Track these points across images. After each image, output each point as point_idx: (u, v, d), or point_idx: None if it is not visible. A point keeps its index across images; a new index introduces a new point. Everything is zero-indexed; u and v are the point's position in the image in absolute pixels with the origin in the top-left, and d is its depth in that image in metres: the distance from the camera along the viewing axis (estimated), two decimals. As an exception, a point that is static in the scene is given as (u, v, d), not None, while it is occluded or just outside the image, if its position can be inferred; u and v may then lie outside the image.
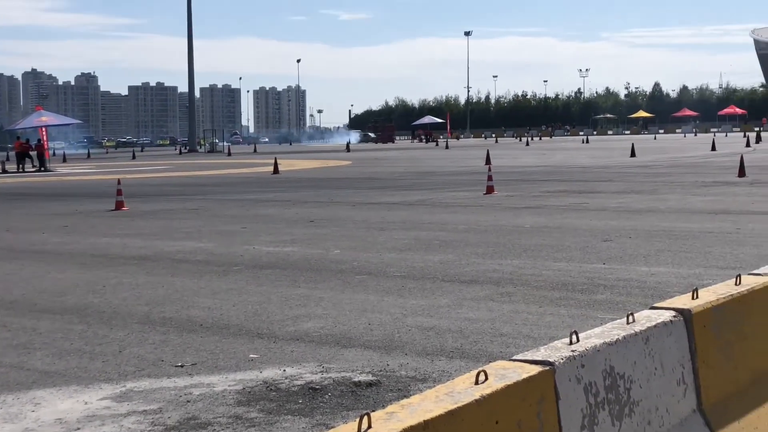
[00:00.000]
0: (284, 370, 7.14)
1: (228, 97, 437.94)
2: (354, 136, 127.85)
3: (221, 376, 7.07)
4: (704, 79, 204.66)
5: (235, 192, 28.68)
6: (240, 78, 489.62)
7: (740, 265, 10.90)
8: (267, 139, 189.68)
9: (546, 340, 6.94)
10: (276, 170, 39.64)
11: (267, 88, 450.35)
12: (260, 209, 21.96)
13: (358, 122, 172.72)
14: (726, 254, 12.43)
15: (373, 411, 3.25)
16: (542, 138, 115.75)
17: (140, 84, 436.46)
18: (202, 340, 8.30)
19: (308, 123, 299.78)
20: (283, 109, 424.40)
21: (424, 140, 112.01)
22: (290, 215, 20.18)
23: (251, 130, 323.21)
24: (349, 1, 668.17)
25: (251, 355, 7.67)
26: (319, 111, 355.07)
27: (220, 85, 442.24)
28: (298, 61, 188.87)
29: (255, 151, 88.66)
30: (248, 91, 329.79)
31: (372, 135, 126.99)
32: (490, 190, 24.55)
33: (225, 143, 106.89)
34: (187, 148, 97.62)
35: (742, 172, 28.24)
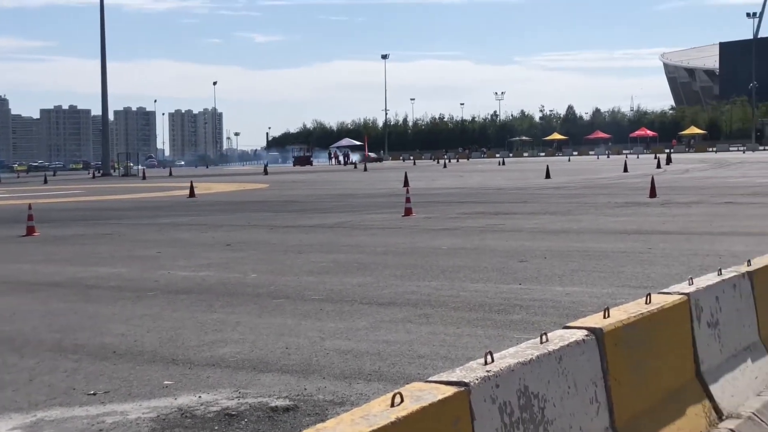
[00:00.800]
0: (200, 397, 7.05)
1: (143, 119, 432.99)
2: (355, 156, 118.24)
3: (135, 403, 6.94)
4: (616, 102, 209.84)
5: (149, 216, 28.30)
6: (155, 101, 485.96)
7: (651, 284, 11.13)
8: (183, 162, 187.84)
9: (463, 361, 6.98)
10: (192, 194, 39.26)
11: (183, 111, 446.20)
12: (175, 233, 21.70)
13: (275, 145, 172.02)
14: (638, 273, 12.67)
15: (288, 436, 3.23)
16: (459, 160, 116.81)
17: (52, 107, 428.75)
18: (116, 368, 8.14)
19: (225, 146, 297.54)
20: (199, 131, 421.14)
21: (343, 163, 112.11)
22: (206, 239, 19.99)
23: (167, 153, 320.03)
24: (264, 23, 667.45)
25: (166, 382, 7.56)
26: (236, 134, 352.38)
27: (134, 108, 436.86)
28: (215, 83, 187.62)
29: (170, 174, 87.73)
30: (164, 114, 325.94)
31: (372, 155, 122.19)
32: (408, 212, 24.67)
33: (140, 167, 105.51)
34: (101, 171, 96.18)
35: (653, 193, 28.87)
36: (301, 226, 22.68)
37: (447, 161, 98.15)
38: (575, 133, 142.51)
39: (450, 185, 43.77)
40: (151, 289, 12.69)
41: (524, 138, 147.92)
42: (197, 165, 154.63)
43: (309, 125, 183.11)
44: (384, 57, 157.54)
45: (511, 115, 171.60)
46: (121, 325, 10.09)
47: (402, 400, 3.59)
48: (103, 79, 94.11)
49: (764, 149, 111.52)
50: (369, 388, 7.16)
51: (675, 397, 5.55)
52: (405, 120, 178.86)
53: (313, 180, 59.16)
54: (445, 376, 3.99)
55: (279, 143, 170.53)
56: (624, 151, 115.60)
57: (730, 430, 5.62)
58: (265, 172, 76.73)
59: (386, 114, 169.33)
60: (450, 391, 3.79)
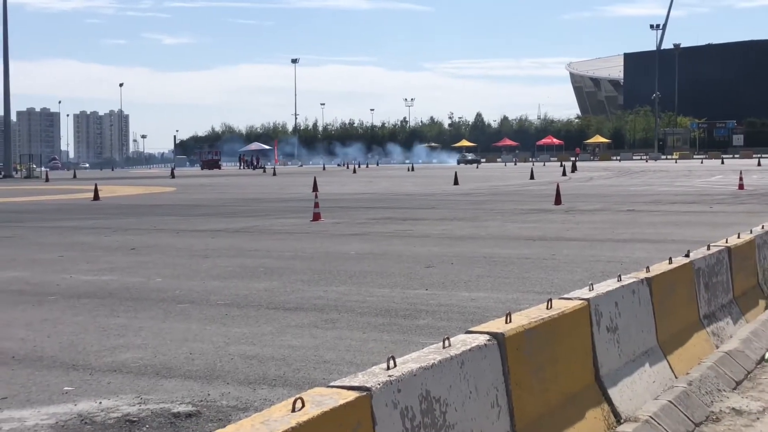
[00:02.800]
0: (100, 403, 6.92)
1: (47, 121, 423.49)
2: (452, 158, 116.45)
3: (33, 410, 6.78)
4: (524, 110, 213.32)
5: (52, 219, 27.69)
6: (59, 102, 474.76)
7: (554, 290, 11.31)
8: (88, 165, 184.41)
9: (369, 366, 6.95)
10: (96, 197, 38.54)
11: (88, 113, 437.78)
12: (79, 237, 21.27)
13: (183, 148, 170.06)
14: (542, 279, 12.87)
15: (187, 442, 3.19)
16: (369, 165, 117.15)
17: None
18: (14, 373, 7.94)
19: (131, 148, 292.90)
20: (105, 134, 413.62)
21: (251, 167, 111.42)
22: (110, 243, 19.64)
23: (71, 155, 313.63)
24: (172, 25, 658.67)
25: (66, 388, 7.39)
26: (143, 136, 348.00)
27: (38, 109, 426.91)
28: (121, 85, 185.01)
29: (75, 176, 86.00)
30: (68, 115, 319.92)
31: (469, 156, 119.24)
32: (316, 217, 24.62)
33: (43, 169, 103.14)
34: (2, 173, 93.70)
35: (558, 200, 29.38)
36: (207, 230, 22.45)
37: (356, 166, 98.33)
38: (483, 140, 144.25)
39: (359, 190, 43.85)
40: (53, 293, 12.41)
41: (433, 144, 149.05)
42: (102, 167, 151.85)
43: (218, 129, 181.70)
44: (294, 61, 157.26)
45: (421, 122, 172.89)
46: (20, 330, 9.84)
47: (303, 405, 3.58)
48: (5, 79, 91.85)
49: (666, 158, 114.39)
50: (273, 393, 7.12)
51: (574, 400, 5.65)
52: (315, 125, 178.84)
53: (221, 184, 58.65)
54: (347, 381, 4.00)
55: (187, 146, 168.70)
56: (531, 159, 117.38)
57: (627, 432, 5.74)
58: (173, 176, 75.79)
59: (296, 118, 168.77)
60: (352, 396, 3.80)
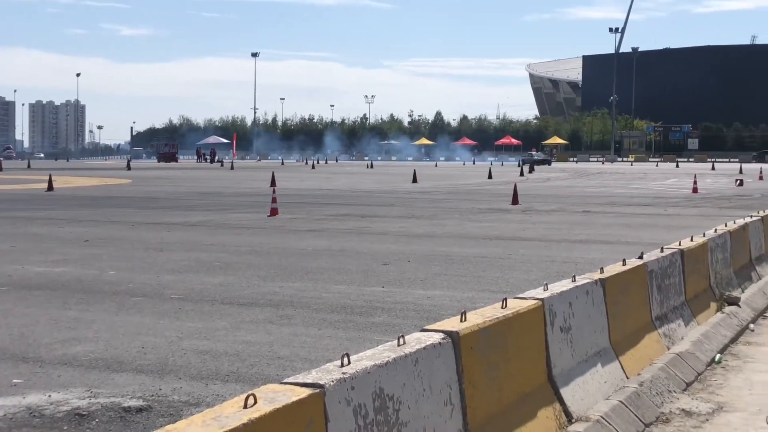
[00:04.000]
0: (50, 396, 6.83)
1: (2, 109, 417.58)
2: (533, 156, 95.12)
3: (-19, 403, 6.68)
4: (483, 109, 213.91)
5: (4, 209, 27.31)
6: (15, 90, 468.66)
7: (510, 289, 11.35)
8: (42, 155, 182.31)
9: (323, 363, 6.94)
10: (50, 187, 38.08)
11: (44, 102, 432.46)
12: (31, 227, 21.01)
13: (140, 140, 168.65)
14: (498, 278, 12.92)
15: (137, 437, 3.15)
16: (328, 161, 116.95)
17: None
18: (-38, 365, 7.82)
19: (87, 139, 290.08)
20: (60, 123, 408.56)
21: (209, 160, 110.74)
22: (64, 234, 19.42)
23: (26, 144, 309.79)
24: (131, 16, 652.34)
25: (14, 380, 7.29)
26: (99, 127, 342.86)
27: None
28: (78, 75, 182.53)
29: (29, 166, 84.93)
30: (24, 105, 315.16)
31: (537, 155, 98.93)
32: (274, 212, 24.53)
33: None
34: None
35: (515, 200, 29.53)
36: (163, 223, 22.28)
37: (315, 162, 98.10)
38: (443, 138, 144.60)
39: (318, 186, 43.76)
40: (3, 285, 12.24)
41: (393, 142, 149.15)
42: (57, 158, 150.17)
43: (176, 121, 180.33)
44: (254, 55, 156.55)
45: (381, 119, 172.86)
46: (-32, 322, 9.69)
47: (255, 402, 3.56)
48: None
49: (622, 161, 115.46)
50: (226, 389, 7.08)
51: (527, 399, 5.67)
52: (274, 119, 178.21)
53: (178, 177, 58.23)
54: (300, 378, 3.98)
55: (144, 138, 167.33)
56: (489, 158, 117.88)
57: (579, 432, 5.78)
58: (129, 168, 75.09)
59: (255, 113, 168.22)
60: (305, 392, 3.78)
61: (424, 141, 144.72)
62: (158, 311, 10.34)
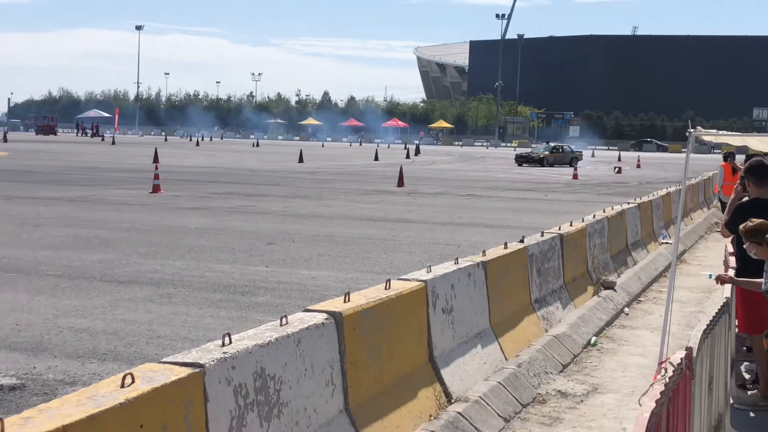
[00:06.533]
0: None
1: None
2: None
3: None
4: (371, 91, 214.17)
5: None
6: None
7: (394, 271, 11.43)
8: None
9: (204, 342, 6.85)
10: None
11: None
12: None
13: (17, 112, 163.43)
14: (382, 260, 12.99)
15: (9, 417, 3.05)
16: (213, 139, 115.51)
17: None
18: None
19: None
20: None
21: (90, 134, 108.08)
22: (-65, 207, 18.70)
23: None
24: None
25: None
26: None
27: None
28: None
29: None
30: None
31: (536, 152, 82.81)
32: (156, 189, 24.11)
33: None
34: None
35: (401, 182, 29.72)
36: (41, 198, 21.66)
37: (200, 139, 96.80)
38: (330, 119, 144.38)
39: (202, 164, 43.17)
40: None
41: (279, 121, 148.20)
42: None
43: (55, 93, 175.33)
44: (138, 28, 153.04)
45: (268, 97, 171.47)
46: None
47: (133, 381, 3.49)
48: None
49: (506, 146, 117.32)
50: (103, 368, 6.94)
51: (408, 380, 5.72)
52: (158, 94, 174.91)
53: (57, 150, 56.65)
54: (179, 357, 3.92)
55: (22, 110, 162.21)
56: (376, 140, 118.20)
57: (458, 413, 5.86)
58: (5, 140, 72.71)
59: (138, 87, 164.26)
60: (184, 372, 3.72)
61: (311, 121, 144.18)
62: (34, 288, 10.06)
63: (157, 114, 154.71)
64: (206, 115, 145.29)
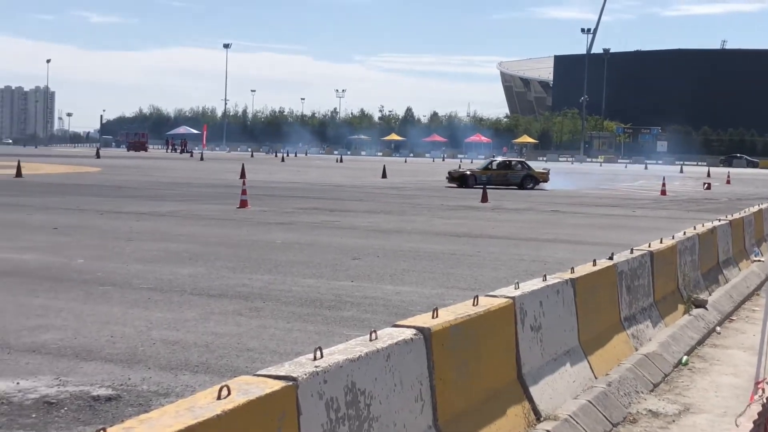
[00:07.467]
0: (18, 383, 6.79)
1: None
2: None
3: (-53, 389, 6.62)
4: (452, 106, 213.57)
5: (-28, 194, 27.03)
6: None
7: (479, 287, 11.40)
8: (11, 141, 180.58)
9: (292, 356, 6.97)
10: (19, 173, 37.74)
11: (13, 87, 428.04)
12: (-1, 213, 20.82)
13: (110, 128, 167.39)
14: (466, 276, 12.97)
15: (111, 426, 3.14)
16: (297, 155, 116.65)
17: None
18: (-73, 351, 7.75)
19: (57, 126, 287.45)
20: (30, 110, 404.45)
21: (179, 150, 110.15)
22: (32, 221, 19.26)
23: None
24: (100, 3, 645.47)
25: (-19, 368, 7.24)
26: (69, 114, 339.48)
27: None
28: (48, 61, 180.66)
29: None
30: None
31: None
32: (243, 204, 24.46)
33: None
34: None
35: (485, 198, 29.62)
36: (132, 212, 22.15)
37: (285, 155, 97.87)
38: (413, 135, 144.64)
39: (288, 179, 43.66)
40: (-30, 271, 12.14)
41: (363, 137, 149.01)
42: (26, 144, 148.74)
43: (145, 110, 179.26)
44: (226, 46, 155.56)
45: (351, 114, 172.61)
46: (-66, 307, 9.60)
47: (229, 393, 3.56)
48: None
49: (591, 161, 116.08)
50: (195, 379, 7.07)
51: (496, 397, 5.71)
52: (245, 111, 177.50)
53: (147, 166, 57.88)
54: (273, 370, 3.98)
55: (114, 127, 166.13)
56: (459, 156, 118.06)
57: (547, 431, 5.82)
58: (98, 156, 74.57)
59: (226, 104, 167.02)
60: (278, 385, 3.79)
61: (394, 137, 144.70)
62: (127, 300, 10.29)
63: (244, 130, 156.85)
64: (293, 131, 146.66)
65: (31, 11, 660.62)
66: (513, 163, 42.01)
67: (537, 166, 49.74)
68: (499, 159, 46.74)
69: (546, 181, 39.85)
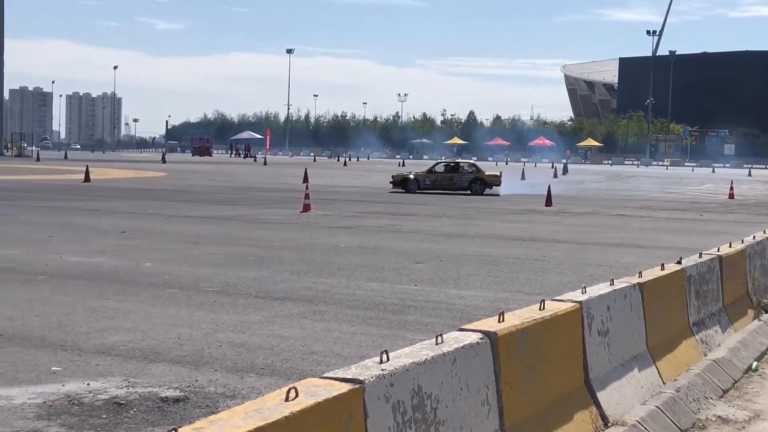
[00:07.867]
0: (88, 384, 6.91)
1: (39, 100, 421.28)
2: None
3: (21, 388, 6.77)
4: (515, 110, 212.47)
5: (42, 199, 27.58)
6: (53, 81, 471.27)
7: (544, 291, 11.32)
8: (79, 146, 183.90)
9: (356, 359, 6.99)
10: (87, 178, 38.42)
11: (81, 94, 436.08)
12: (69, 218, 21.21)
13: (175, 133, 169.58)
14: (531, 280, 12.89)
15: (180, 427, 3.18)
16: (359, 159, 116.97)
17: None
18: (1, 351, 7.92)
19: (123, 131, 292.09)
20: (97, 116, 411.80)
21: (243, 155, 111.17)
22: (101, 225, 19.59)
23: (63, 135, 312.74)
24: (166, 10, 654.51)
25: (54, 368, 7.38)
26: (135, 120, 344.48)
27: (31, 88, 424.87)
28: (115, 67, 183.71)
29: (66, 157, 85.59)
30: (61, 96, 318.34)
31: None
32: (306, 208, 24.60)
33: (34, 148, 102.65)
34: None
35: (549, 202, 29.40)
36: (198, 216, 22.41)
37: (347, 159, 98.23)
38: (476, 138, 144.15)
39: (350, 183, 43.81)
40: (42, 273, 12.38)
41: (425, 141, 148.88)
42: (93, 149, 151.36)
43: (210, 116, 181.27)
44: (289, 51, 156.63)
45: (413, 118, 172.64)
46: (8, 309, 9.81)
47: (297, 395, 3.58)
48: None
49: (657, 165, 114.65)
50: (261, 382, 7.13)
51: (563, 402, 5.66)
52: (307, 116, 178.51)
53: (212, 171, 58.52)
54: (340, 373, 4.00)
55: (179, 132, 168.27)
56: (522, 159, 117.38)
57: (615, 436, 5.76)
58: (164, 161, 75.55)
59: (288, 109, 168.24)
60: (345, 387, 3.80)
61: (457, 140, 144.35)
62: (194, 303, 10.41)
63: (307, 135, 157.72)
64: (356, 136, 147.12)
65: (99, 19, 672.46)
66: (461, 165, 38.51)
67: (488, 167, 47.74)
68: (446, 160, 43.39)
69: (498, 185, 36.16)
